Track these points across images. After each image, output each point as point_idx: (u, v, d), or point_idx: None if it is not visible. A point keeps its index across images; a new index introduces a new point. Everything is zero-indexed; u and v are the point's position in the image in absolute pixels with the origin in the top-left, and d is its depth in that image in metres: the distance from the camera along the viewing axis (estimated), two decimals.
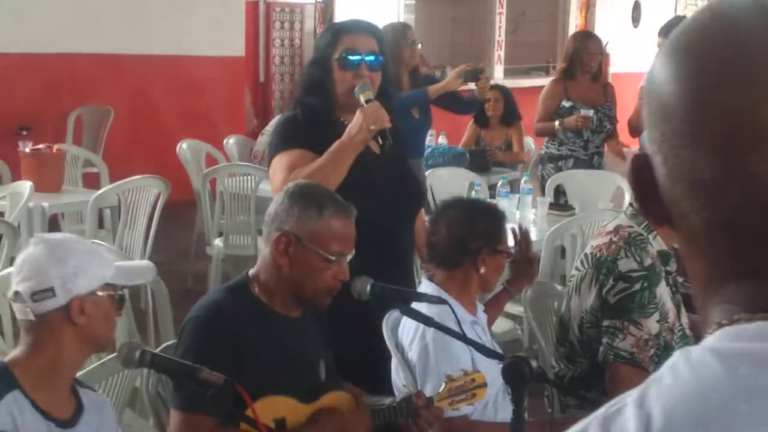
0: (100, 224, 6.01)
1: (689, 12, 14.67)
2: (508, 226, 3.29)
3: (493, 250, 3.04)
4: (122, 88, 9.24)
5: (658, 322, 3.08)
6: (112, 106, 8.96)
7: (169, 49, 9.51)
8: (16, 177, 6.18)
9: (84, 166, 7.09)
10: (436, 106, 5.94)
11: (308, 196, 2.58)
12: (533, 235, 5.16)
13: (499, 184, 5.89)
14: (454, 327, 2.69)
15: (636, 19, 14.88)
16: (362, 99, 3.08)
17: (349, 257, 2.60)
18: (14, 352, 2.20)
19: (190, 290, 6.57)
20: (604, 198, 6.04)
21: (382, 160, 3.20)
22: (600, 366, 3.13)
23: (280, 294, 2.59)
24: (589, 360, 3.20)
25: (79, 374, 2.33)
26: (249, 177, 6.22)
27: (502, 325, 4.62)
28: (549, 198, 5.90)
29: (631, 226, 3.18)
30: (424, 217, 3.42)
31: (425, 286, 3.06)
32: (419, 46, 5.91)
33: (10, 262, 4.55)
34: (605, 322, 3.09)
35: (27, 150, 6.03)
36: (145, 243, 5.64)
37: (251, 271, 2.65)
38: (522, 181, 5.84)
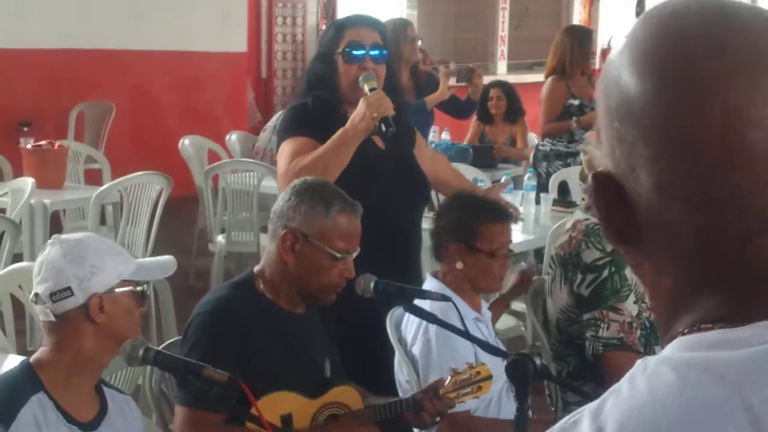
0: (102, 221, 6.00)
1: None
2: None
3: (469, 246, 3.02)
4: (124, 84, 9.23)
5: (635, 303, 3.13)
6: (114, 102, 8.95)
7: (171, 44, 9.49)
8: (17, 173, 6.17)
9: (86, 163, 7.08)
10: (440, 110, 5.96)
11: (315, 194, 2.57)
12: (532, 234, 5.18)
13: (502, 180, 5.88)
14: (457, 324, 2.68)
15: (640, 14, 14.82)
16: (366, 88, 3.08)
17: (354, 255, 2.59)
18: (38, 353, 2.21)
19: (191, 287, 6.57)
20: None
21: (387, 154, 3.19)
22: (589, 361, 3.14)
23: (286, 290, 2.59)
24: (576, 357, 3.21)
25: None
26: (251, 173, 6.21)
27: (505, 321, 4.61)
28: (553, 194, 5.88)
29: (588, 218, 3.23)
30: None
31: (429, 283, 3.06)
32: (419, 42, 5.90)
33: (13, 259, 4.55)
34: (585, 316, 3.12)
35: (29, 146, 6.02)
36: (147, 239, 5.63)
37: (256, 268, 2.65)
38: (525, 178, 5.83)
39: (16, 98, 8.41)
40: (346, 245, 2.56)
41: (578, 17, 13.85)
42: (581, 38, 6.63)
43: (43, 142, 6.10)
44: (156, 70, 9.47)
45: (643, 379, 0.78)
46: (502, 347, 2.80)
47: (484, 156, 7.17)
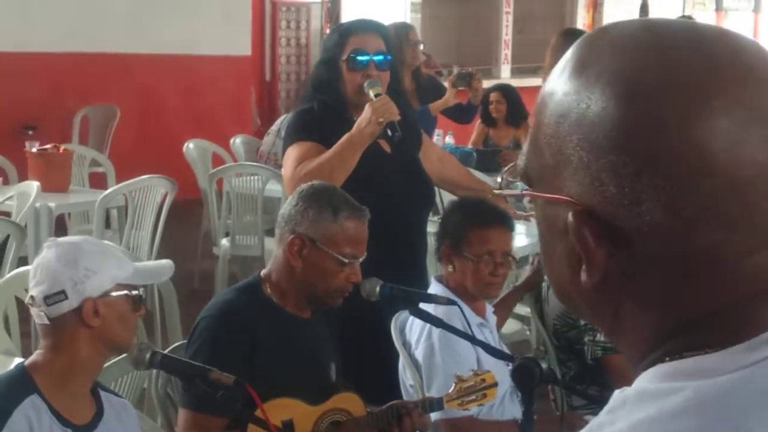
0: (107, 224, 6.01)
1: (697, 10, 14.66)
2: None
3: (455, 249, 3.01)
4: (128, 87, 9.24)
5: None
6: (119, 105, 8.96)
7: (175, 48, 9.50)
8: (22, 176, 6.18)
9: (90, 166, 7.09)
10: (442, 114, 5.98)
11: (323, 199, 2.58)
12: (536, 237, 5.16)
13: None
14: (462, 328, 2.68)
15: (644, 17, 14.85)
16: (371, 93, 3.09)
17: (361, 259, 2.59)
18: (33, 356, 2.20)
19: (196, 290, 6.57)
20: None
21: (392, 158, 3.20)
22: (589, 365, 3.15)
23: (292, 295, 2.59)
24: (576, 362, 3.22)
25: None
26: (256, 177, 6.21)
27: (510, 325, 4.61)
28: None
29: None
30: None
31: (434, 287, 3.06)
32: (422, 46, 5.91)
33: (18, 262, 4.55)
34: (582, 321, 3.12)
35: (34, 150, 6.03)
36: (152, 243, 5.63)
37: (263, 272, 2.65)
38: None
39: (21, 102, 8.42)
40: (354, 250, 2.57)
41: (582, 21, 13.86)
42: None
43: (48, 146, 6.10)
44: (160, 73, 9.48)
45: (623, 413, 0.77)
46: (507, 352, 2.80)
47: (488, 159, 7.17)
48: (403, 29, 5.86)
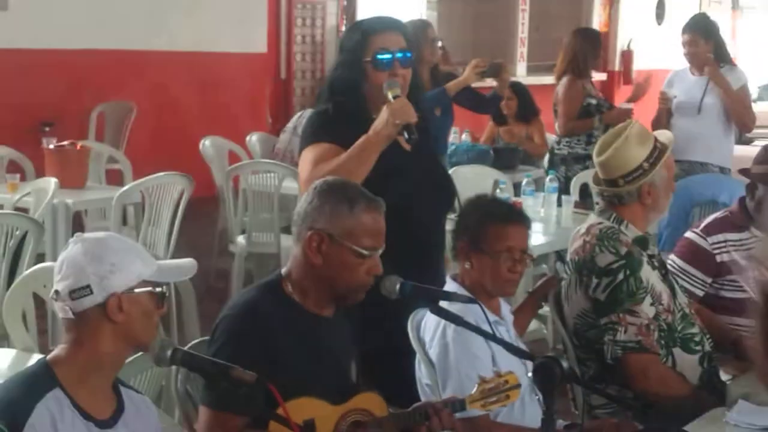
0: (124, 221, 6.02)
1: (713, 9, 14.59)
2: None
3: (473, 246, 3.01)
4: (144, 84, 9.26)
5: (651, 305, 3.13)
6: (135, 102, 8.99)
7: (191, 45, 9.53)
8: (39, 173, 6.20)
9: (107, 163, 7.11)
10: (459, 104, 5.94)
11: (338, 193, 2.58)
12: (553, 235, 5.16)
13: (524, 183, 5.88)
14: (481, 326, 2.67)
15: (660, 16, 14.81)
16: (390, 95, 3.09)
17: (380, 251, 2.59)
18: (56, 351, 2.21)
19: (212, 287, 6.59)
20: None
21: (412, 156, 3.19)
22: (609, 365, 3.14)
23: (314, 292, 2.59)
24: (596, 361, 3.22)
25: None
26: (272, 174, 6.21)
27: None
28: (574, 196, 5.87)
29: (601, 222, 3.24)
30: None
31: (449, 286, 3.05)
32: (440, 43, 5.89)
33: (36, 258, 4.57)
34: (602, 320, 3.13)
35: (51, 146, 6.05)
36: (169, 240, 5.65)
37: (283, 270, 2.64)
38: (547, 180, 5.82)
39: (38, 98, 8.45)
40: (373, 242, 2.56)
41: (598, 19, 13.83)
42: (592, 40, 6.67)
43: (65, 143, 6.12)
44: (176, 70, 9.50)
45: None
46: (526, 350, 2.79)
47: (505, 158, 7.17)
48: (421, 26, 5.86)
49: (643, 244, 3.25)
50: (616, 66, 14.22)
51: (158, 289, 2.22)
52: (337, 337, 2.64)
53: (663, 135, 3.42)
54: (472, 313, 2.77)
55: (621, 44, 14.26)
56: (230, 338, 2.47)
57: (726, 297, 3.64)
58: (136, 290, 2.17)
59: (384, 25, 3.26)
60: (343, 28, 10.49)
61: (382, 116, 3.04)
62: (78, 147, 6.13)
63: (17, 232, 4.54)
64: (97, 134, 8.82)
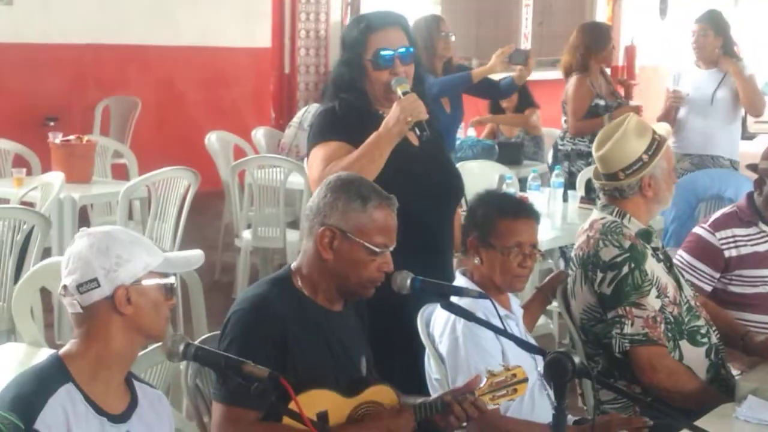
0: (130, 215, 6.02)
1: (719, 4, 14.54)
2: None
3: (483, 240, 3.01)
4: (150, 79, 9.26)
5: (657, 297, 3.14)
6: (140, 97, 8.99)
7: (196, 40, 9.52)
8: (45, 167, 6.21)
9: (113, 158, 7.11)
10: (472, 95, 5.91)
11: (351, 189, 2.58)
12: (559, 231, 5.16)
13: (530, 178, 5.87)
14: (492, 321, 2.68)
15: (663, 11, 14.77)
16: (399, 92, 3.08)
17: (391, 248, 2.59)
18: (67, 345, 2.20)
19: (217, 281, 6.61)
20: None
21: (421, 152, 3.19)
22: (617, 359, 3.14)
23: (324, 287, 2.59)
24: (604, 356, 3.22)
25: None
26: (278, 169, 6.22)
27: None
28: (580, 192, 5.87)
29: (604, 217, 3.26)
30: (460, 212, 3.40)
31: (458, 281, 3.06)
32: (453, 37, 5.88)
33: (43, 253, 4.57)
34: (609, 314, 3.14)
35: (57, 141, 6.05)
36: (175, 234, 5.65)
37: (293, 265, 2.64)
38: (553, 175, 5.82)
39: (44, 93, 8.46)
40: (385, 239, 2.57)
41: (602, 14, 13.80)
42: (598, 35, 6.62)
43: (71, 137, 6.12)
44: (181, 65, 9.51)
45: None
46: (536, 345, 2.79)
47: (510, 153, 7.18)
48: (434, 21, 5.85)
49: (646, 238, 3.26)
50: (620, 61, 14.20)
51: (166, 281, 2.22)
52: (347, 332, 2.64)
53: (661, 127, 3.43)
54: (482, 308, 2.78)
55: (624, 39, 14.24)
56: (241, 333, 2.47)
57: (734, 292, 3.65)
58: (144, 282, 2.17)
59: (383, 20, 3.22)
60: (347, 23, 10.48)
61: (393, 113, 3.03)
62: (84, 141, 6.13)
63: (24, 227, 4.55)
64: (102, 129, 8.82)
